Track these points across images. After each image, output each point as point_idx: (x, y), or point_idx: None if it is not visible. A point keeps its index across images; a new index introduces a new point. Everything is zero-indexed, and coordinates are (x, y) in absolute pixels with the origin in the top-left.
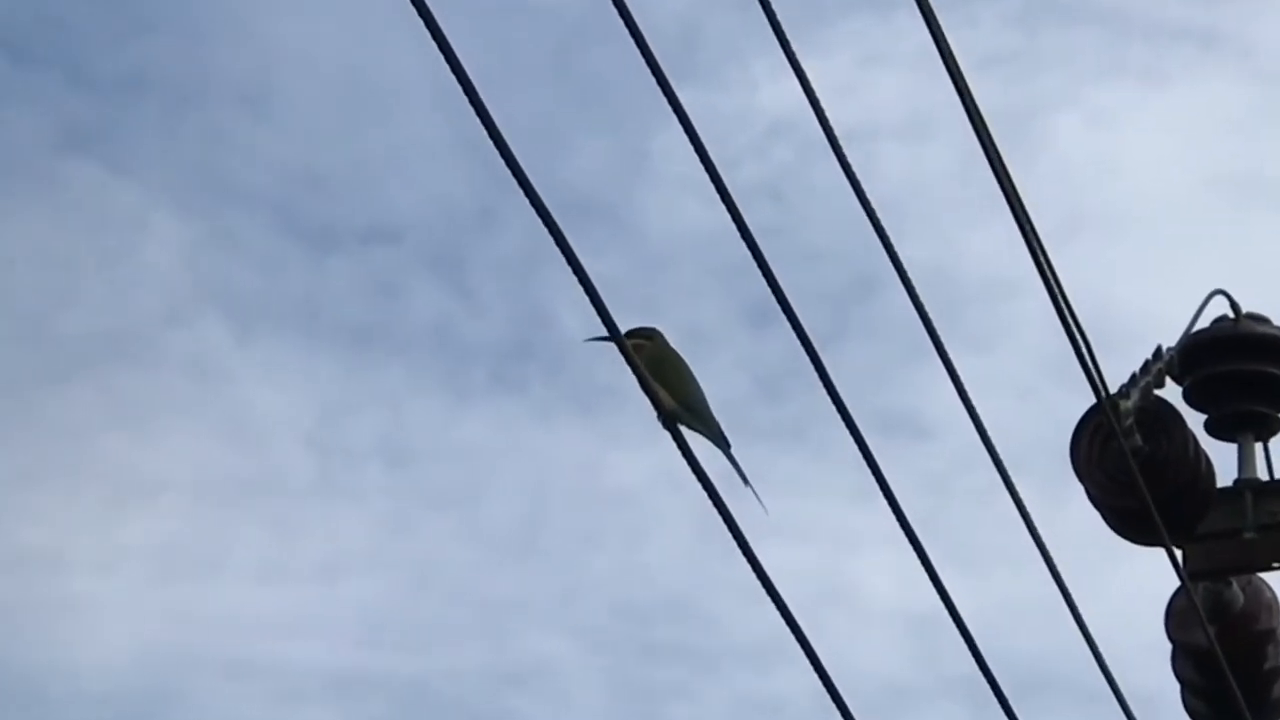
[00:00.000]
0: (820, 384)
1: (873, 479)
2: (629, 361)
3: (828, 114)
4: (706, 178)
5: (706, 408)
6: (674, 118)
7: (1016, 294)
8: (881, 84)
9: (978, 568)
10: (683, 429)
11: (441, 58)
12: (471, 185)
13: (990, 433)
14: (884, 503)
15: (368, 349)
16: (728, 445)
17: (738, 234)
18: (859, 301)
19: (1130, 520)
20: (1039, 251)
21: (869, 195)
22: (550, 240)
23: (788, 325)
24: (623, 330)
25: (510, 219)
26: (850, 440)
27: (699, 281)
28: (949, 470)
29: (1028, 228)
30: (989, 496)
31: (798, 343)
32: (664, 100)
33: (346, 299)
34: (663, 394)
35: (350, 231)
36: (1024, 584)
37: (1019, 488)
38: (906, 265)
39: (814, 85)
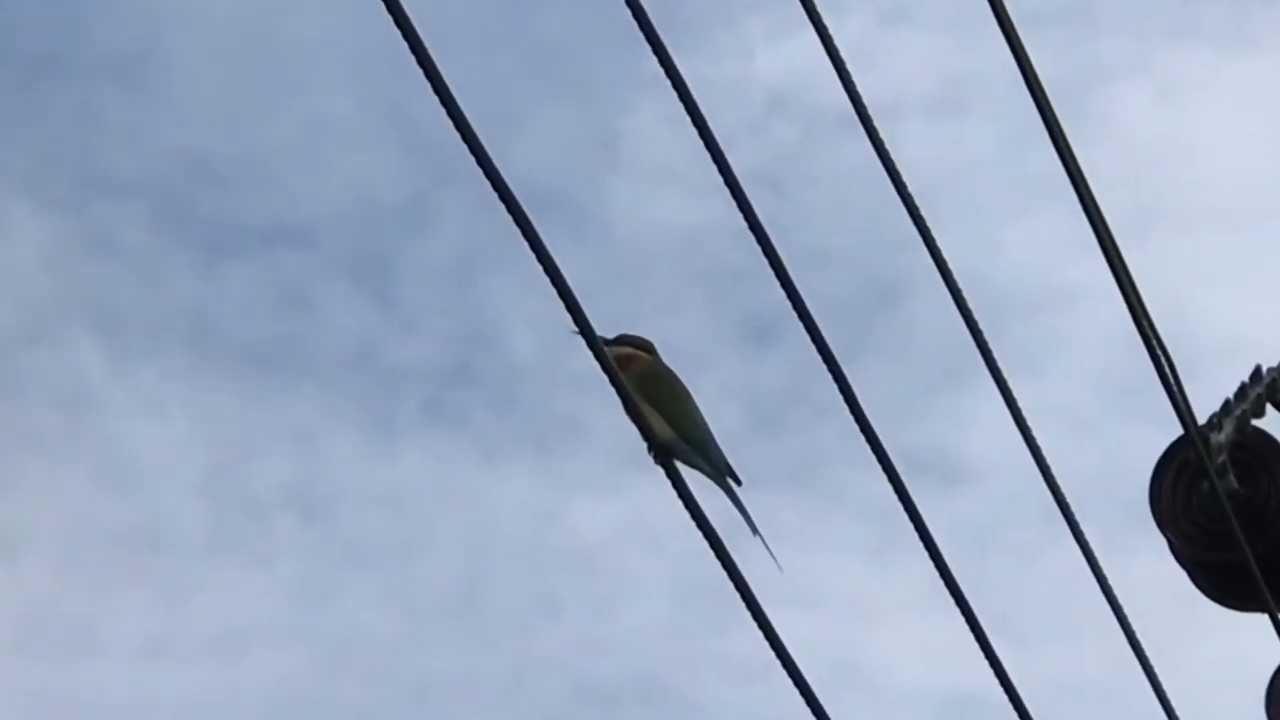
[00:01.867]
0: (845, 412)
1: (898, 530)
2: (611, 378)
3: (840, 84)
4: (687, 165)
5: (711, 439)
6: (647, 91)
7: (1072, 303)
8: (906, 49)
9: (1024, 638)
10: (679, 465)
11: (358, 19)
12: (398, 174)
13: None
14: (907, 560)
15: (273, 374)
16: (738, 482)
17: (726, 232)
18: (874, 315)
19: (1224, 578)
20: (1113, 251)
21: (895, 180)
22: (499, 236)
23: (789, 343)
24: (607, 338)
25: (446, 214)
26: (869, 484)
27: (677, 289)
28: (987, 521)
29: (1099, 222)
30: (1037, 552)
31: (800, 364)
32: (638, 69)
33: (246, 313)
34: (656, 421)
35: (250, 231)
36: (1083, 659)
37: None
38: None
39: (822, 50)
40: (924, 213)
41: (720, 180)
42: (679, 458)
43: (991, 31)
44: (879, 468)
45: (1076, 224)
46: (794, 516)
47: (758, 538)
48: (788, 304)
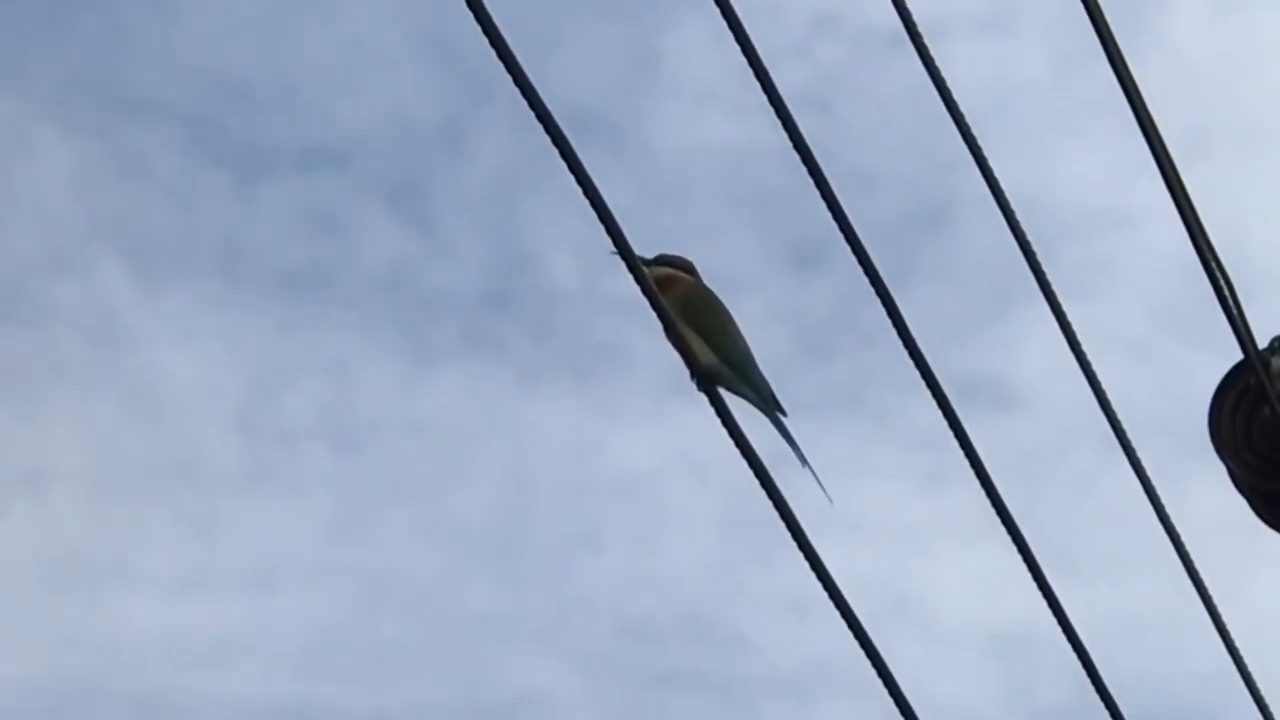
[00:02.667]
0: (894, 337)
1: (949, 458)
2: (651, 300)
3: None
4: (730, 85)
5: (754, 365)
6: (689, 8)
7: (1126, 226)
8: None
9: (1079, 570)
10: (723, 392)
11: None
12: (434, 94)
13: (1089, 407)
14: (958, 490)
15: (306, 301)
16: (783, 413)
17: (770, 153)
18: (922, 238)
19: None
20: (1171, 172)
21: (945, 99)
22: (538, 158)
23: (835, 267)
24: (646, 258)
25: (483, 136)
26: (918, 411)
27: (720, 212)
28: (1038, 449)
29: (1156, 142)
30: (1092, 481)
31: (846, 288)
32: None
33: (279, 239)
34: (698, 345)
35: (282, 153)
36: (1140, 591)
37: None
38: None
39: None
40: (974, 133)
41: (764, 100)
42: (723, 384)
43: None
44: (928, 394)
45: (1132, 144)
46: (840, 444)
47: (807, 468)
48: (834, 226)
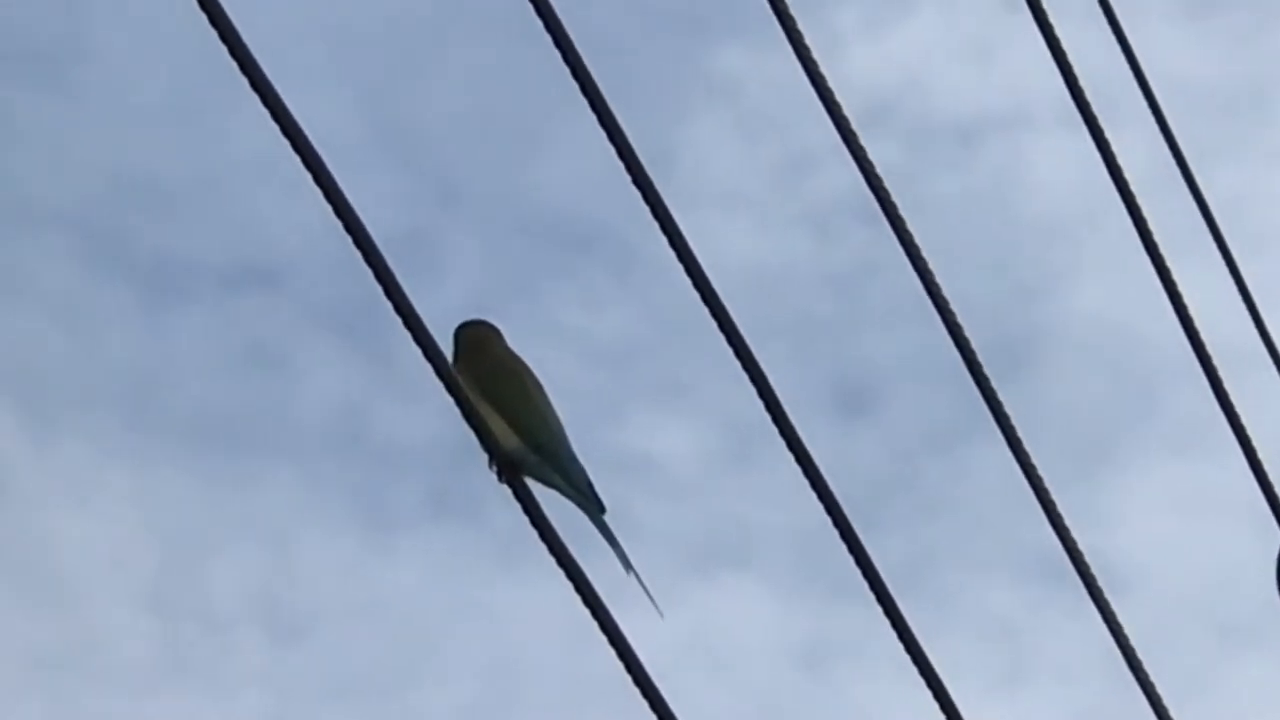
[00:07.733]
0: None
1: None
2: (438, 370)
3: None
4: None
5: (567, 449)
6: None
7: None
8: (1035, 40)
9: None
10: (531, 483)
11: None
12: (399, 193)
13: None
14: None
15: (235, 453)
16: (600, 509)
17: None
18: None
19: None
20: None
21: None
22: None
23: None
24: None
25: (451, 248)
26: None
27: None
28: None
29: None
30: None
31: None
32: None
33: (199, 375)
34: (499, 426)
35: (203, 268)
36: None
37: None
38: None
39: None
40: (1059, 248)
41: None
42: (531, 474)
43: (1141, 21)
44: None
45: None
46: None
47: (631, 574)
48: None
